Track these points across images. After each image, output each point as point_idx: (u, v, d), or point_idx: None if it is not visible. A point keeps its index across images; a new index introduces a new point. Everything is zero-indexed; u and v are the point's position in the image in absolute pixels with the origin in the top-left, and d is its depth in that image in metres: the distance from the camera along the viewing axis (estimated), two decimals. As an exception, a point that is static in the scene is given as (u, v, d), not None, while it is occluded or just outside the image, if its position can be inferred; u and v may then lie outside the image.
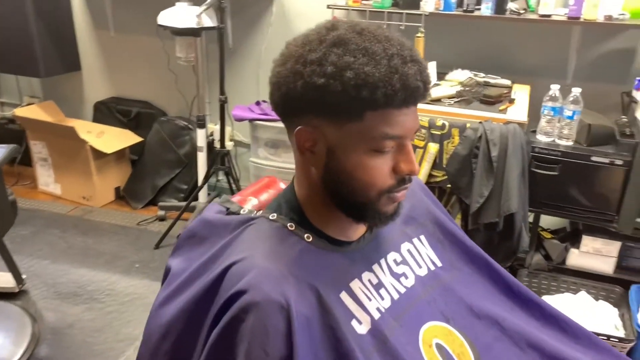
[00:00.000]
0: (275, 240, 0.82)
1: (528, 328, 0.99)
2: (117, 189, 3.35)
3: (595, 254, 2.23)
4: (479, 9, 2.31)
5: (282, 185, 1.10)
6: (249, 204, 1.02)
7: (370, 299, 0.83)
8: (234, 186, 2.99)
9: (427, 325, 0.90)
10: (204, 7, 2.59)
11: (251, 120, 2.75)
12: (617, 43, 2.38)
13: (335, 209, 0.84)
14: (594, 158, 2.06)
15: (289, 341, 0.72)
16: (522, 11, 2.28)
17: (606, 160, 2.05)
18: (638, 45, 2.32)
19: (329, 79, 0.73)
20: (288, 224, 0.84)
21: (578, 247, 2.25)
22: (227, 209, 0.93)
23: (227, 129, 2.92)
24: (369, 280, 0.86)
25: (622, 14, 2.14)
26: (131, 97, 3.44)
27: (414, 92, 0.76)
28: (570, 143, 2.12)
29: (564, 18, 2.20)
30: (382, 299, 0.86)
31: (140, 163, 3.35)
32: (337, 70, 0.73)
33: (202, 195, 2.99)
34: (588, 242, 2.23)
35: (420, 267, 0.98)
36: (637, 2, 2.14)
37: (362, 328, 0.80)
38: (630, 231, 2.07)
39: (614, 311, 2.15)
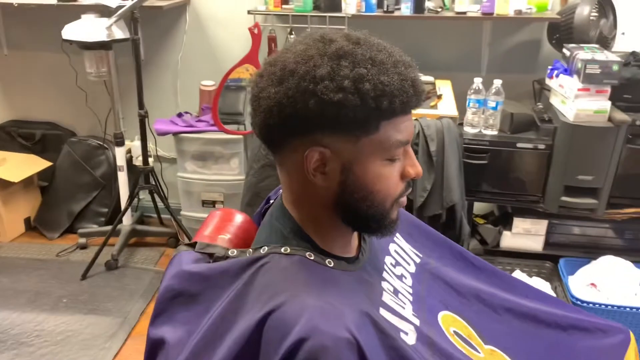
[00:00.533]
0: (305, 274, 0.76)
1: (499, 294, 1.05)
2: (27, 220, 3.08)
3: (526, 233, 2.38)
4: (399, 9, 2.38)
5: (239, 216, 1.01)
6: (222, 243, 0.93)
7: (402, 307, 0.83)
8: (160, 204, 2.86)
9: (440, 317, 0.91)
10: (114, 18, 2.45)
11: (176, 133, 2.63)
12: (524, 35, 2.54)
13: (341, 227, 0.82)
14: (519, 144, 2.19)
15: None
16: (439, 9, 2.37)
17: (530, 146, 2.18)
18: (543, 36, 2.50)
19: (347, 94, 0.70)
20: (307, 254, 0.79)
21: (510, 229, 2.38)
22: (210, 254, 0.83)
23: (148, 144, 2.77)
24: (389, 290, 0.85)
25: (530, 8, 2.29)
26: (34, 119, 3.17)
27: (421, 96, 0.76)
28: (495, 132, 2.24)
29: (478, 14, 2.32)
30: (405, 304, 0.85)
31: (51, 189, 3.09)
32: (354, 83, 0.71)
33: (126, 217, 2.83)
34: (519, 223, 2.36)
35: (409, 264, 1.01)
36: (541, -4, 2.31)
37: (410, 338, 0.79)
38: (556, 209, 2.22)
39: (547, 285, 2.31)
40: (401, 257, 1.01)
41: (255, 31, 2.33)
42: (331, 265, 0.79)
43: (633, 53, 2.16)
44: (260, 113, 0.76)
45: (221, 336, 0.72)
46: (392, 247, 1.01)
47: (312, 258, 0.78)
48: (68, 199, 3.04)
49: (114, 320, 2.36)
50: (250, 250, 0.81)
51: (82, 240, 2.91)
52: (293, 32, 2.47)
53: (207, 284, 0.79)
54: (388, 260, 0.96)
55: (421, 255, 1.04)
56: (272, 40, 2.50)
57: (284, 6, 2.46)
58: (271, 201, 1.00)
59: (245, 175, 2.28)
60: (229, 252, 0.83)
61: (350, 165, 0.75)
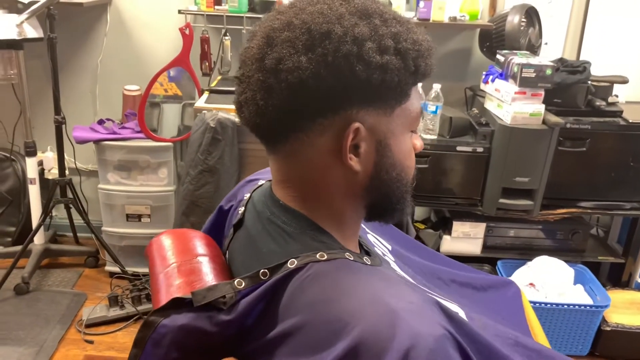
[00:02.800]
0: (361, 276, 0.63)
1: (442, 268, 1.09)
2: None
3: (465, 237, 2.40)
4: (337, 13, 2.34)
5: (193, 233, 0.86)
6: (210, 275, 0.73)
7: (432, 290, 0.76)
8: (78, 221, 2.60)
9: None
10: (25, 15, 2.22)
11: (97, 141, 2.41)
12: (456, 43, 2.60)
13: (359, 218, 0.73)
14: (458, 148, 2.21)
15: None
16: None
17: (469, 149, 2.21)
18: (474, 44, 2.57)
19: (391, 56, 0.62)
20: (345, 255, 0.66)
21: (449, 234, 2.39)
22: (220, 303, 0.64)
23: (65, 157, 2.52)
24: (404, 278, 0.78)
25: (463, 16, 2.34)
26: None
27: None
28: (435, 136, 2.25)
29: (415, 20, 2.33)
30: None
31: (-54, 207, 2.74)
32: (394, 43, 0.62)
33: (39, 236, 2.55)
34: (458, 227, 2.38)
35: (385, 253, 0.95)
36: (472, 5, 2.37)
37: (463, 315, 0.72)
38: (494, 212, 2.26)
39: (487, 288, 2.33)
40: (379, 244, 0.95)
41: (187, 32, 2.21)
42: (369, 263, 0.68)
43: (561, 59, 2.26)
44: (282, 91, 0.62)
45: None
46: (370, 237, 0.94)
47: (351, 259, 0.66)
48: (-33, 218, 2.70)
49: (27, 350, 2.09)
50: (264, 271, 0.65)
51: (-15, 264, 2.59)
52: (227, 34, 2.36)
53: (225, 329, 0.63)
54: (379, 250, 0.90)
55: (391, 242, 1.01)
56: (204, 41, 2.38)
57: (217, 7, 2.34)
58: (228, 207, 0.89)
59: (181, 183, 2.13)
60: (236, 285, 0.64)
61: (387, 140, 0.66)
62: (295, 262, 0.64)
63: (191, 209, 2.03)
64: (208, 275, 0.74)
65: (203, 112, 1.99)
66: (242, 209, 0.79)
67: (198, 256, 0.78)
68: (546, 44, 2.55)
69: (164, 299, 0.67)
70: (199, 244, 0.82)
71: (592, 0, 2.50)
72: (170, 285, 0.73)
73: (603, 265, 2.60)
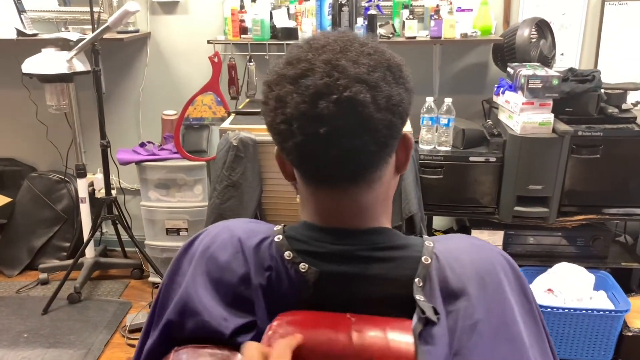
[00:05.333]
0: (451, 236, 0.81)
1: None
2: (-15, 258, 3.01)
3: (484, 245, 2.45)
4: (353, 35, 2.49)
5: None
6: None
7: None
8: (124, 236, 2.84)
9: None
10: (75, 51, 2.49)
11: (138, 162, 2.65)
12: (471, 58, 2.69)
13: None
14: (471, 158, 2.29)
15: None
16: (390, 35, 2.50)
17: (482, 159, 2.29)
18: (489, 58, 2.65)
19: None
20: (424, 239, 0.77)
21: (469, 242, 2.45)
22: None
23: (111, 176, 2.77)
24: None
25: (475, 32, 2.44)
26: (-8, 156, 3.14)
27: None
28: (449, 148, 2.35)
29: (427, 38, 2.45)
30: None
31: (10, 226, 3.04)
32: None
33: (89, 250, 2.80)
34: (476, 235, 2.44)
35: None
36: (485, 20, 2.46)
37: None
38: (510, 219, 2.32)
39: (507, 294, 2.37)
40: None
41: (216, 60, 2.41)
42: None
43: (571, 69, 2.32)
44: (397, 123, 0.71)
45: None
46: None
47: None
48: (28, 235, 3.00)
49: (76, 352, 2.31)
50: (417, 279, 0.70)
51: (43, 276, 2.86)
52: (252, 60, 2.55)
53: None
54: None
55: None
56: (232, 68, 2.58)
57: (242, 36, 2.54)
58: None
59: (209, 197, 2.31)
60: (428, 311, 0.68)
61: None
62: (426, 258, 0.72)
63: (219, 221, 2.20)
64: None
65: (227, 132, 2.18)
66: (294, 272, 0.72)
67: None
68: (562, 54, 2.60)
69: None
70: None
71: (607, 9, 2.54)
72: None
73: (634, 272, 2.59)
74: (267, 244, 0.75)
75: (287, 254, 0.73)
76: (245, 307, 0.73)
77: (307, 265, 0.71)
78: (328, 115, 0.66)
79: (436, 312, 0.68)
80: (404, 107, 0.71)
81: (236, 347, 0.71)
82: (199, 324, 0.72)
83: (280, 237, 0.75)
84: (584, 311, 2.19)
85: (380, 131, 0.68)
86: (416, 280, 0.70)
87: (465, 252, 0.75)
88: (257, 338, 0.70)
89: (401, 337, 0.66)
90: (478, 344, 0.68)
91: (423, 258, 0.72)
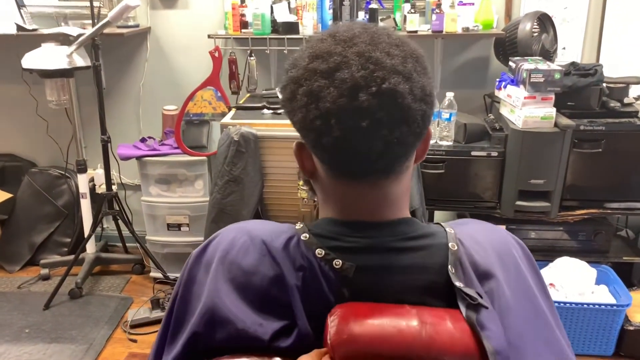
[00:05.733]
0: (463, 222, 0.83)
1: None
2: (-14, 254, 3.01)
3: (485, 240, 2.45)
4: (354, 30, 2.48)
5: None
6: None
7: None
8: (125, 231, 2.84)
9: None
10: (75, 46, 2.48)
11: (139, 157, 2.64)
12: (473, 52, 2.68)
13: None
14: (473, 153, 2.29)
15: None
16: (391, 29, 2.48)
17: (483, 154, 2.29)
18: (490, 52, 2.64)
19: None
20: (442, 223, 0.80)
21: (470, 237, 2.45)
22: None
23: (111, 172, 2.77)
24: None
25: (476, 26, 2.43)
26: (-8, 151, 3.14)
27: None
28: (450, 143, 2.34)
29: (429, 32, 2.44)
30: None
31: (11, 222, 3.03)
32: None
33: (90, 245, 2.80)
34: (478, 230, 2.44)
35: None
36: (486, 14, 2.45)
37: None
38: (512, 214, 2.31)
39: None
40: None
41: (216, 54, 2.40)
42: None
43: (573, 63, 2.31)
44: (430, 113, 0.71)
45: None
46: None
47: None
48: (29, 231, 2.99)
49: (78, 347, 2.31)
50: (450, 268, 0.72)
51: (45, 271, 2.86)
52: (253, 54, 2.54)
53: None
54: None
55: None
56: (232, 62, 2.57)
57: (243, 30, 2.53)
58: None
59: (210, 192, 2.31)
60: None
61: None
62: (453, 244, 0.73)
63: (220, 216, 2.20)
64: None
65: (228, 127, 2.17)
66: (328, 269, 0.71)
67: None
68: (564, 48, 2.59)
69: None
70: None
71: (609, 3, 2.53)
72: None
73: (636, 266, 2.58)
74: (295, 244, 0.73)
75: (319, 252, 0.71)
76: (279, 310, 0.70)
77: (341, 261, 0.70)
78: (368, 108, 0.66)
79: (480, 297, 0.70)
80: (433, 97, 0.72)
81: (276, 352, 0.69)
82: (232, 333, 0.70)
83: (307, 235, 0.73)
84: (585, 305, 2.19)
85: (417, 121, 0.69)
86: (450, 267, 0.71)
87: (482, 235, 0.78)
88: (299, 340, 0.69)
89: (464, 326, 0.67)
90: (512, 322, 0.71)
91: (450, 245, 0.73)
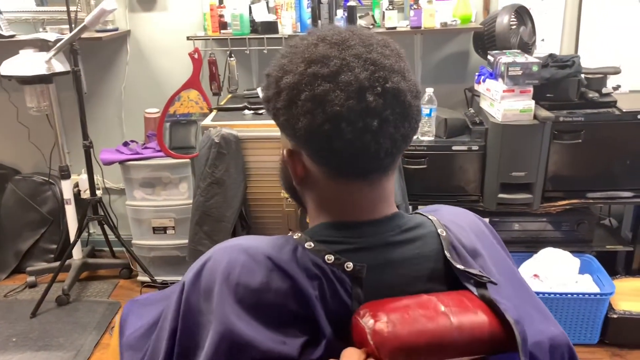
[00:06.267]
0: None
1: None
2: (-28, 263, 2.99)
3: (470, 233, 2.47)
4: (333, 28, 2.48)
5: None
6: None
7: None
8: (111, 236, 2.83)
9: None
10: (53, 51, 2.47)
11: (122, 162, 2.63)
12: (453, 47, 2.69)
13: None
14: (454, 147, 2.30)
15: None
16: (370, 26, 2.49)
17: (464, 148, 2.30)
18: (470, 47, 2.65)
19: None
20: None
21: (455, 230, 2.47)
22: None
23: (95, 177, 2.76)
24: None
25: (454, 20, 2.44)
26: (-26, 160, 3.11)
27: None
28: (431, 138, 2.35)
29: (407, 28, 2.45)
30: None
31: (-4, 230, 3.02)
32: None
33: (77, 251, 2.79)
34: (462, 224, 2.45)
35: None
36: (464, 9, 2.46)
37: None
38: (495, 206, 2.33)
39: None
40: None
41: (196, 56, 2.38)
42: None
43: (551, 55, 2.32)
44: (420, 105, 0.75)
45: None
46: None
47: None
48: (14, 238, 2.98)
49: (66, 354, 2.31)
50: (446, 255, 0.76)
51: (31, 279, 2.84)
52: (232, 55, 2.54)
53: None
54: None
55: None
56: (212, 63, 2.57)
57: (222, 31, 2.53)
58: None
59: (193, 195, 2.31)
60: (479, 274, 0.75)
61: None
62: (441, 231, 0.77)
63: (203, 219, 2.20)
64: None
65: (209, 129, 2.17)
66: (340, 273, 0.71)
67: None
68: (542, 40, 2.61)
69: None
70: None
71: (586, -7, 2.54)
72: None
73: (619, 254, 2.61)
74: (302, 253, 0.71)
75: (328, 257, 0.71)
76: (298, 323, 0.69)
77: (352, 264, 0.71)
78: (376, 108, 0.68)
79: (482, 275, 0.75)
80: (421, 93, 0.76)
81: None
82: (256, 356, 0.66)
83: (311, 243, 0.72)
84: (569, 295, 2.21)
85: (415, 117, 0.72)
86: (446, 253, 0.75)
87: (458, 219, 0.82)
88: (329, 349, 0.68)
89: (481, 304, 0.70)
90: (504, 295, 0.74)
91: (439, 231, 0.77)
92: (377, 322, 0.65)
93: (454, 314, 0.67)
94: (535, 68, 2.14)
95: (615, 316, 2.22)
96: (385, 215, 0.76)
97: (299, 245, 0.72)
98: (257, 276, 0.69)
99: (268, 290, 0.68)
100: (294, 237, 0.74)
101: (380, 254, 0.73)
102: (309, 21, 2.48)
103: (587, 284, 2.31)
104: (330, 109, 0.67)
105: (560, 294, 2.21)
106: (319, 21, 2.47)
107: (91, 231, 3.14)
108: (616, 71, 2.32)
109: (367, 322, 0.66)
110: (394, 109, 0.69)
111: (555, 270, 2.29)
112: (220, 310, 0.68)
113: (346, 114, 0.67)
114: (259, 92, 2.53)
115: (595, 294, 2.20)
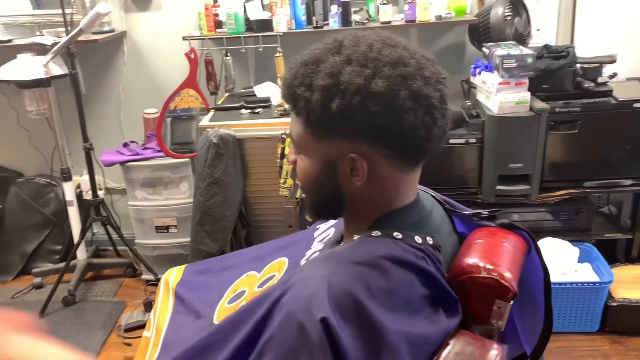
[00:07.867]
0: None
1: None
2: (-22, 266, 3.03)
3: (469, 225, 2.48)
4: (328, 24, 2.49)
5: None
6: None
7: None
8: (115, 235, 2.86)
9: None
10: (50, 55, 2.48)
11: (123, 163, 2.65)
12: (448, 39, 2.69)
13: None
14: (451, 140, 2.30)
15: None
16: (365, 21, 2.49)
17: (462, 141, 2.31)
18: (465, 38, 2.65)
19: None
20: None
21: (454, 223, 2.48)
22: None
23: (97, 177, 2.79)
24: None
25: (449, 13, 2.44)
26: (-23, 164, 3.14)
27: None
28: (429, 131, 2.35)
29: (402, 22, 2.45)
30: None
31: (1, 233, 3.05)
32: None
33: (81, 251, 2.82)
34: (461, 216, 2.47)
35: None
36: (459, 1, 2.46)
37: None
38: (493, 198, 2.34)
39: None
40: None
41: (192, 56, 2.41)
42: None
43: (545, 46, 2.32)
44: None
45: None
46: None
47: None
48: (19, 240, 3.01)
49: (74, 354, 2.34)
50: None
51: (38, 280, 2.88)
52: (228, 54, 2.55)
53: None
54: None
55: None
56: (208, 63, 2.58)
57: (217, 30, 2.53)
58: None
59: (193, 195, 2.33)
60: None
61: None
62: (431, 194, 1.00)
63: (204, 218, 2.22)
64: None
65: (207, 129, 2.19)
66: (433, 248, 0.86)
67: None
68: (538, 30, 2.60)
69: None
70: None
71: (581, -18, 2.53)
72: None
73: (619, 242, 2.62)
74: (400, 244, 0.81)
75: (417, 238, 0.84)
76: (430, 302, 0.79)
77: (430, 237, 0.85)
78: (445, 95, 0.80)
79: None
80: None
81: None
82: (425, 346, 0.75)
83: (398, 233, 0.83)
84: (569, 285, 2.23)
85: (448, 117, 0.84)
86: (446, 206, 1.00)
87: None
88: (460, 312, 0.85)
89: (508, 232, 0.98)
90: None
91: (432, 194, 1.01)
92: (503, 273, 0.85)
93: (510, 242, 0.95)
94: (530, 60, 2.14)
95: (614, 304, 2.24)
96: (417, 193, 0.89)
97: (391, 240, 0.81)
98: (384, 279, 0.76)
99: (403, 286, 0.77)
100: (378, 237, 0.82)
101: (430, 224, 0.88)
102: (303, 18, 2.48)
103: (586, 273, 2.32)
104: (426, 102, 0.76)
105: (560, 283, 2.22)
106: (314, 17, 2.48)
107: (95, 231, 3.18)
108: (612, 60, 2.32)
109: (492, 274, 0.84)
110: (446, 96, 0.82)
111: (555, 260, 2.30)
112: (383, 324, 0.71)
113: (437, 104, 0.78)
114: (257, 91, 2.54)
115: (594, 283, 2.22)
